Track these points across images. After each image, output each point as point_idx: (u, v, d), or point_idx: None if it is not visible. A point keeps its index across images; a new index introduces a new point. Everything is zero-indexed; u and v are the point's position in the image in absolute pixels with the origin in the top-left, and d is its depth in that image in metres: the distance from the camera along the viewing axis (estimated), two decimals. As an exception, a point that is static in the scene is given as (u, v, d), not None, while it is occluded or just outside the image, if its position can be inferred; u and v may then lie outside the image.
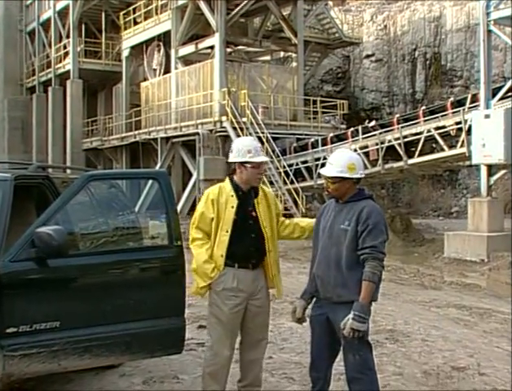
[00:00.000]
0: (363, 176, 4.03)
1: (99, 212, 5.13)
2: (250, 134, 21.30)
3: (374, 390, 3.93)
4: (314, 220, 4.33)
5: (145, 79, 29.94)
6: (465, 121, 16.54)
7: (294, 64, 27.48)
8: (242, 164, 4.25)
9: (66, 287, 4.07)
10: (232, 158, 4.30)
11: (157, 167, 24.57)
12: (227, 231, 4.19)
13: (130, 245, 4.83)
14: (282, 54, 29.30)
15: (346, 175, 3.94)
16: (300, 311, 4.14)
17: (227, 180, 4.35)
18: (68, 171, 10.62)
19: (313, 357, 4.14)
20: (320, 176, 20.42)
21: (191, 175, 25.04)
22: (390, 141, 19.02)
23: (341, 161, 3.97)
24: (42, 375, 4.33)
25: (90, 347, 4.03)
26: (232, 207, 4.21)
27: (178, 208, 21.75)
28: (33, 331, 3.83)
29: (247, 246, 4.24)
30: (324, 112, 26.62)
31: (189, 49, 26.35)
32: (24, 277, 3.90)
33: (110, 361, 4.63)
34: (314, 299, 4.14)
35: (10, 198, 4.08)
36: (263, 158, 4.32)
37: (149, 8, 28.41)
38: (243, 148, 4.26)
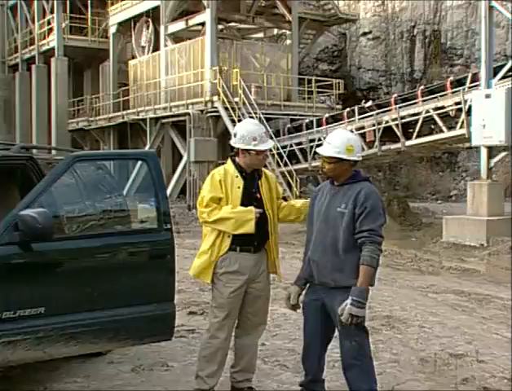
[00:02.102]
0: (360, 159, 4.03)
1: (85, 194, 5.10)
2: (243, 115, 21.26)
3: (370, 377, 3.95)
4: (309, 201, 4.33)
5: (133, 57, 29.77)
6: (465, 101, 16.54)
7: (288, 42, 27.38)
8: (246, 150, 4.29)
9: (51, 272, 4.06)
10: (236, 143, 4.33)
11: (146, 148, 24.48)
12: None
13: (117, 229, 4.81)
14: (276, 31, 29.16)
15: (344, 156, 3.93)
16: (294, 297, 4.15)
17: (229, 161, 4.40)
18: (53, 152, 10.57)
19: (306, 344, 4.17)
20: (314, 158, 20.46)
21: (181, 157, 25.00)
22: (387, 122, 19.02)
23: (339, 141, 3.96)
24: (27, 363, 4.33)
25: (76, 334, 4.02)
26: (239, 187, 4.29)
27: (168, 190, 21.74)
28: (18, 317, 3.82)
29: None
30: (319, 92, 26.58)
31: (179, 25, 26.20)
32: (7, 261, 3.88)
33: (97, 348, 4.63)
34: (308, 285, 4.15)
35: (-8, 179, 4.06)
36: (268, 145, 4.35)
37: (137, -18, 28.21)
38: (248, 135, 4.28)
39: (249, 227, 4.19)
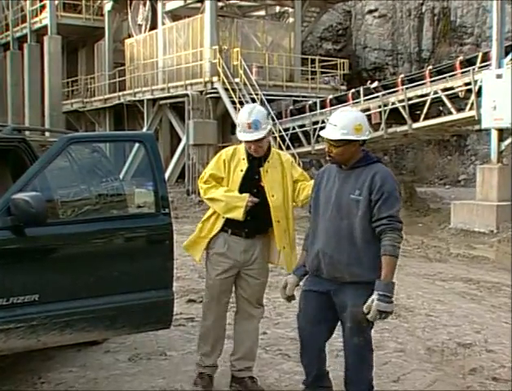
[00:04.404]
0: (369, 136, 3.85)
1: (80, 177, 5.11)
2: (243, 96, 21.20)
3: (371, 371, 3.89)
4: None
5: (130, 35, 29.61)
6: (475, 82, 16.46)
7: (291, 20, 27.22)
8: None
9: (45, 258, 4.06)
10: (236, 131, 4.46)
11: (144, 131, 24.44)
12: None
13: (113, 213, 4.82)
14: (278, 8, 28.95)
15: (353, 137, 3.72)
16: (291, 288, 4.00)
17: (243, 144, 4.44)
18: (47, 134, 10.55)
19: (305, 335, 3.96)
20: (318, 141, 20.41)
21: (179, 140, 24.96)
22: (393, 103, 18.95)
23: (345, 122, 3.75)
24: (21, 352, 4.34)
25: (71, 322, 4.03)
26: (241, 170, 4.35)
27: (167, 174, 21.73)
28: (10, 304, 3.82)
29: None
30: (322, 72, 26.46)
31: (177, 3, 26.05)
32: (-1, 247, 3.89)
33: (93, 336, 4.65)
34: (306, 276, 3.99)
35: (-17, 162, 4.05)
36: (249, 137, 4.24)
37: (133, -43, 28.03)
38: (237, 121, 4.39)
39: (237, 214, 4.24)
